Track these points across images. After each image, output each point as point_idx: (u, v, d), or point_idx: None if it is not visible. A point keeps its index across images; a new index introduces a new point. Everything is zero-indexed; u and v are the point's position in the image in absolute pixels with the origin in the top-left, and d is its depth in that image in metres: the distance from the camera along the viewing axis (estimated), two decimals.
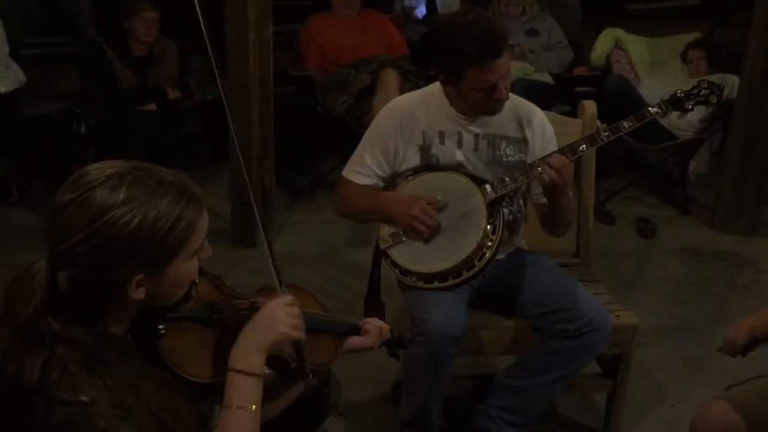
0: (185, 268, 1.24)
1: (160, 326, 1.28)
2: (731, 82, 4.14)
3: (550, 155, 2.15)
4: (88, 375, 1.12)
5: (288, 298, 1.37)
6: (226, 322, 1.36)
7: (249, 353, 1.29)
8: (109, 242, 1.14)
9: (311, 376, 1.43)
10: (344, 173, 2.36)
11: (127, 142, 3.67)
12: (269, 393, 1.40)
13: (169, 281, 1.23)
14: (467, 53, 2.08)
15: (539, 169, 2.13)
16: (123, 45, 3.93)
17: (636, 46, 4.78)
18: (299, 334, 1.35)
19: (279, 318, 1.33)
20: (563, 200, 2.17)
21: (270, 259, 1.46)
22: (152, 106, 3.95)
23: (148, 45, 3.96)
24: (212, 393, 1.29)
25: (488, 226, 2.15)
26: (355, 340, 1.60)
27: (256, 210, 1.64)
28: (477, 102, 2.18)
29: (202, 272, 1.36)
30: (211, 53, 1.47)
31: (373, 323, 1.63)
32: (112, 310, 1.21)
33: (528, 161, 2.26)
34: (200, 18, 1.41)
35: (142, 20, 3.87)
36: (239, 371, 1.27)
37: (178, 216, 1.18)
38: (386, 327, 1.65)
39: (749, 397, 1.71)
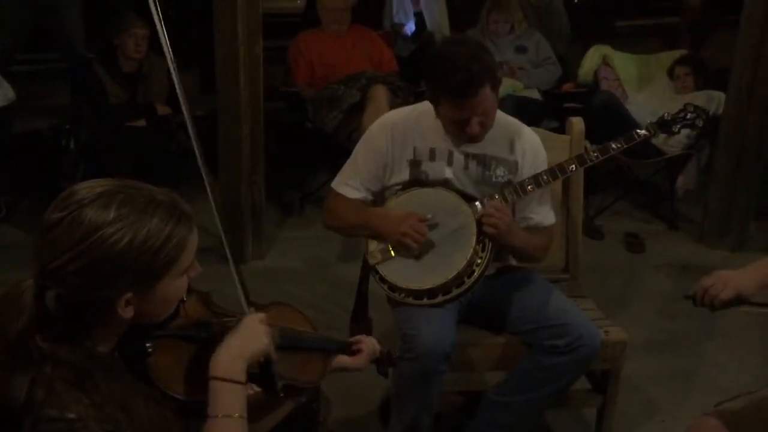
0: (174, 286, 1.23)
1: (148, 344, 1.27)
2: (717, 99, 4.19)
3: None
4: (75, 392, 1.12)
5: (261, 315, 1.38)
6: (214, 340, 1.35)
7: (230, 360, 1.28)
8: (99, 261, 1.14)
9: (302, 395, 1.42)
10: (334, 186, 2.36)
11: (116, 158, 3.67)
12: (256, 412, 1.39)
13: (158, 300, 1.22)
14: (443, 87, 2.11)
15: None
16: (113, 61, 3.94)
17: (623, 62, 4.82)
18: (271, 349, 1.36)
19: (260, 330, 1.34)
20: (513, 242, 2.21)
21: (237, 280, 1.46)
22: (142, 122, 3.95)
23: (137, 61, 3.97)
24: (201, 411, 1.28)
25: (478, 244, 2.16)
26: (344, 360, 1.60)
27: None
28: (452, 130, 2.21)
29: (190, 290, 1.35)
30: (169, 56, 1.46)
31: (366, 342, 1.63)
32: (99, 328, 1.20)
33: (516, 181, 2.27)
34: (160, 24, 1.40)
35: (132, 37, 3.88)
36: (221, 379, 1.27)
37: (168, 234, 1.18)
38: (377, 346, 1.64)
39: (739, 412, 1.71)
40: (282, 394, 1.41)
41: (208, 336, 1.35)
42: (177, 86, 1.46)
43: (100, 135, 3.89)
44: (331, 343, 1.58)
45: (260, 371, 1.36)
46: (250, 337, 1.32)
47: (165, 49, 1.44)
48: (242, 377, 1.29)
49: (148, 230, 1.16)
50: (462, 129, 2.16)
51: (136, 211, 1.16)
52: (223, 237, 1.55)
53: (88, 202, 1.15)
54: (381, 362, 1.68)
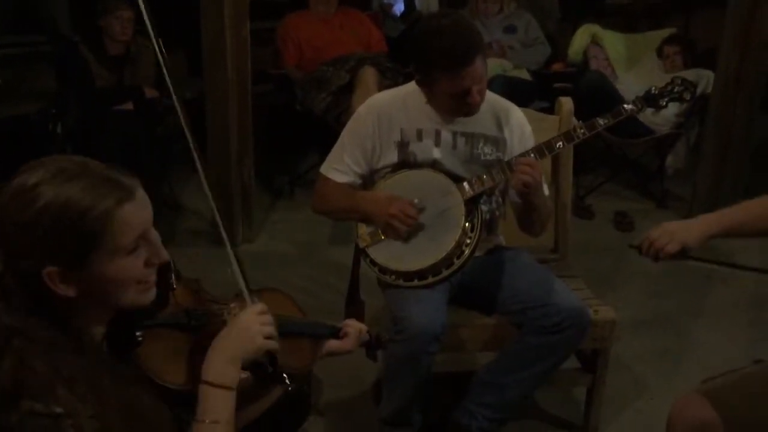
0: (118, 265, 1.15)
1: (138, 333, 1.25)
2: (706, 78, 4.19)
3: (522, 155, 2.17)
4: (56, 381, 1.08)
5: (259, 306, 1.35)
6: (204, 328, 1.35)
7: (223, 365, 1.26)
8: (13, 226, 1.10)
9: (288, 381, 1.42)
10: (322, 170, 2.36)
11: (103, 142, 3.64)
12: (246, 398, 1.39)
13: (100, 278, 1.14)
14: (440, 60, 2.09)
15: (533, 154, 2.15)
16: (99, 44, 3.89)
17: (612, 41, 4.81)
18: (275, 344, 1.33)
19: (254, 329, 1.30)
20: (537, 200, 2.19)
21: (237, 269, 1.44)
22: (129, 106, 3.91)
23: (124, 44, 3.93)
24: (189, 400, 1.27)
25: (467, 224, 2.16)
26: (333, 344, 1.60)
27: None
28: (451, 105, 2.19)
29: (179, 277, 1.34)
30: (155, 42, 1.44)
31: (352, 326, 1.63)
32: (57, 307, 1.15)
33: (506, 159, 2.27)
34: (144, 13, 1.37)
35: (118, 19, 3.83)
36: (213, 384, 1.25)
37: (89, 205, 1.11)
38: (364, 328, 1.64)
39: (724, 390, 1.73)
40: (276, 383, 1.41)
41: (198, 324, 1.35)
42: (164, 70, 1.44)
43: (87, 119, 3.86)
44: (321, 329, 1.59)
45: (255, 364, 1.36)
46: (243, 338, 1.29)
47: (150, 33, 1.42)
48: (234, 383, 1.27)
49: (69, 196, 1.10)
50: (463, 101, 2.15)
51: (60, 179, 1.11)
52: (219, 221, 1.52)
53: (26, 169, 1.13)
54: (370, 345, 1.68)
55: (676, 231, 1.77)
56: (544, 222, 2.32)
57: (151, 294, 1.23)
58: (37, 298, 1.13)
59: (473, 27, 2.17)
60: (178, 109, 1.47)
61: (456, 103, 2.17)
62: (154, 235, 1.20)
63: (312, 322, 1.58)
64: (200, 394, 1.25)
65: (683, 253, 1.76)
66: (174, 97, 1.50)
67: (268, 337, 1.32)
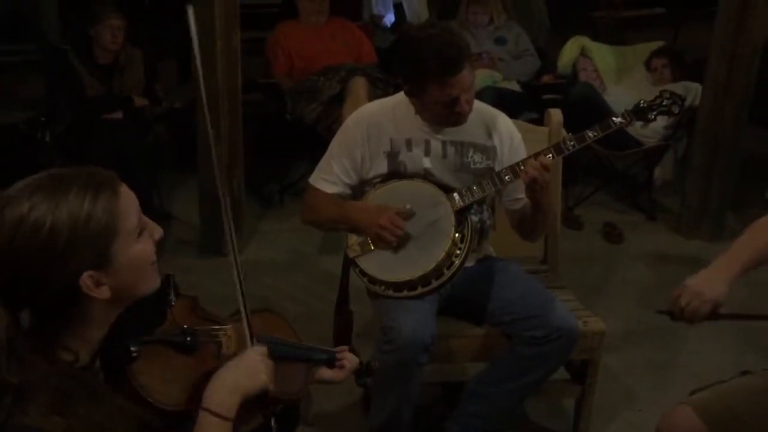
0: (136, 250, 1.21)
1: (133, 348, 1.24)
2: (694, 90, 4.22)
3: (533, 156, 2.17)
4: (51, 414, 1.08)
5: (263, 349, 1.38)
6: (199, 349, 1.33)
7: (226, 396, 1.28)
8: (35, 254, 1.11)
9: (276, 411, 1.43)
10: (311, 181, 2.36)
11: (92, 151, 3.61)
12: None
13: (126, 269, 1.19)
14: (428, 68, 2.10)
15: (522, 167, 2.14)
16: (88, 52, 3.88)
17: (601, 54, 4.84)
18: (273, 386, 1.37)
19: (260, 368, 1.33)
20: (543, 200, 2.18)
21: (239, 290, 1.43)
22: (119, 114, 3.90)
23: (114, 53, 3.92)
24: (180, 421, 1.26)
25: (456, 235, 2.17)
26: (327, 373, 1.61)
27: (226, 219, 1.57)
28: (439, 114, 2.19)
29: (178, 294, 1.33)
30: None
31: (349, 359, 1.63)
32: (80, 324, 1.18)
33: (496, 168, 2.27)
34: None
35: (108, 28, 3.82)
36: (214, 413, 1.26)
37: (91, 205, 1.15)
38: (357, 360, 1.65)
39: (711, 401, 1.74)
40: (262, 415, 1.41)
41: (193, 343, 1.33)
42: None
43: (77, 128, 3.84)
44: (315, 354, 1.58)
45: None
46: (249, 375, 1.32)
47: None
48: (233, 413, 1.28)
49: (67, 207, 1.13)
50: (451, 111, 2.16)
51: (48, 194, 1.14)
52: (231, 231, 1.52)
53: (5, 205, 1.13)
54: (360, 374, 1.68)
55: (702, 290, 1.71)
56: (544, 224, 2.31)
57: (159, 277, 1.28)
58: (54, 328, 1.16)
59: (461, 36, 2.18)
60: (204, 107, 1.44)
61: (445, 113, 2.17)
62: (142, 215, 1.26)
63: (307, 347, 1.57)
64: (199, 418, 1.25)
65: (716, 313, 1.72)
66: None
67: (271, 380, 1.35)
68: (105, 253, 1.17)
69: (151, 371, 1.26)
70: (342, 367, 1.61)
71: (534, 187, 2.11)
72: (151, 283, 1.26)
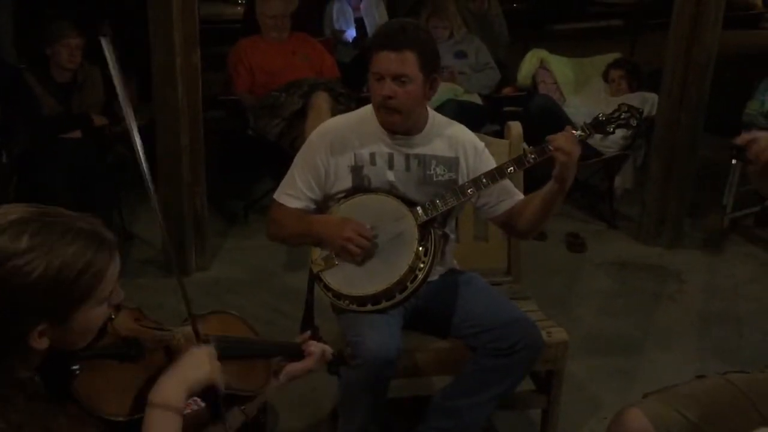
0: (94, 314, 1.19)
1: (74, 367, 1.22)
2: (651, 100, 4.31)
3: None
4: None
5: (208, 346, 1.36)
6: (146, 354, 1.32)
7: (171, 387, 1.26)
8: (8, 292, 1.09)
9: (247, 402, 1.41)
10: (275, 196, 2.35)
11: (50, 171, 3.56)
12: (199, 428, 1.37)
13: (76, 329, 1.18)
14: (374, 38, 2.23)
15: (550, 146, 2.13)
16: (45, 71, 3.83)
17: (560, 66, 4.92)
18: (228, 380, 1.36)
19: (204, 359, 1.32)
20: (572, 177, 2.18)
21: (181, 292, 1.41)
22: (77, 134, 3.85)
23: (71, 71, 3.87)
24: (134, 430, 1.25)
25: (420, 248, 2.17)
26: (295, 367, 1.58)
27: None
28: (375, 100, 2.21)
29: (119, 306, 1.32)
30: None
31: (316, 345, 1.62)
32: (14, 359, 1.15)
33: (459, 181, 2.29)
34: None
35: (66, 47, 3.78)
36: (158, 405, 1.24)
37: (85, 264, 1.14)
38: (329, 349, 1.64)
39: (662, 405, 1.76)
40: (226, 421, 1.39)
41: (138, 353, 1.32)
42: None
43: (34, 148, 3.77)
44: (272, 349, 1.57)
45: (206, 395, 1.34)
46: (193, 366, 1.30)
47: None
48: (180, 404, 1.26)
49: (63, 260, 1.11)
50: (378, 92, 2.18)
51: (50, 240, 1.11)
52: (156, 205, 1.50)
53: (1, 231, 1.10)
54: (332, 362, 1.67)
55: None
56: (551, 212, 2.29)
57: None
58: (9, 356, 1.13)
59: (427, 37, 2.21)
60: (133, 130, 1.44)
61: (375, 92, 2.19)
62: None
63: (266, 342, 1.57)
64: (146, 417, 1.23)
65: None
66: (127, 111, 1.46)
67: (217, 374, 1.33)
68: (70, 312, 1.15)
69: (95, 386, 1.24)
70: (310, 354, 1.59)
71: (565, 167, 2.10)
72: (85, 342, 1.23)
